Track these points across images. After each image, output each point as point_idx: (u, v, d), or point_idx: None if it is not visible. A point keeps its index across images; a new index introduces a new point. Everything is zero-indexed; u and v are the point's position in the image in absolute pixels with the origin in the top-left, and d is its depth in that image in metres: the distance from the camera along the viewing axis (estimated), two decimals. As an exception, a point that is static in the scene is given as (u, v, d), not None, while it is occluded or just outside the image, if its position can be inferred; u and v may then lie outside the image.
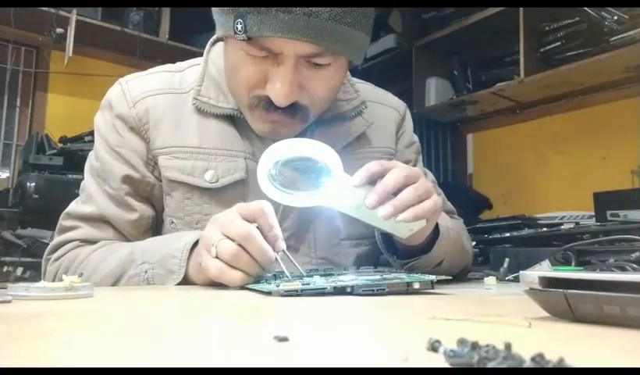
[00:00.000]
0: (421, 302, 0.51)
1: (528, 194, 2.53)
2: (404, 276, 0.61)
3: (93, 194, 0.81)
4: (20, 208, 2.16)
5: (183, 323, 0.39)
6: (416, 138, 0.99)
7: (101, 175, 0.81)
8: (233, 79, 0.75)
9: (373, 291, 0.54)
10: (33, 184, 2.07)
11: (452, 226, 0.82)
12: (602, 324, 0.32)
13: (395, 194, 0.64)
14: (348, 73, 0.85)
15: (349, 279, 0.59)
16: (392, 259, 0.78)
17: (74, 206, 0.83)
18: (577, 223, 1.39)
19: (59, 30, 2.27)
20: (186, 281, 0.67)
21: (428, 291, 0.57)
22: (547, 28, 2.16)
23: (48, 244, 0.86)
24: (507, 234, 1.33)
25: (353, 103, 0.87)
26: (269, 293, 0.53)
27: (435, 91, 2.60)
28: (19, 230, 2.15)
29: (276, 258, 0.61)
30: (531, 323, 0.33)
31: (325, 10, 0.65)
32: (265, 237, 0.60)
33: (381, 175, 0.65)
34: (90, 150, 0.87)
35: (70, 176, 2.14)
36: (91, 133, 2.10)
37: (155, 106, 0.81)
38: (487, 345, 0.22)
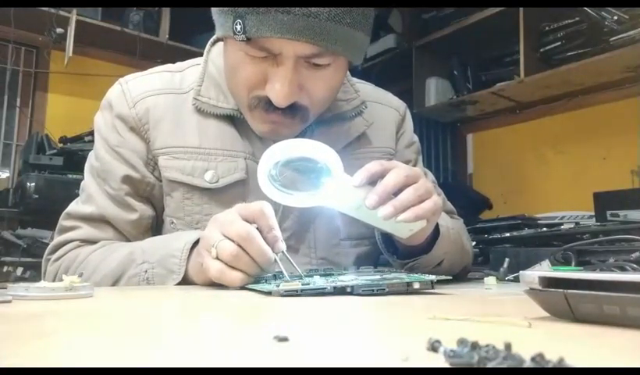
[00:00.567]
0: (421, 302, 0.51)
1: (528, 194, 2.53)
2: (404, 276, 0.61)
3: (93, 194, 0.81)
4: (20, 208, 2.16)
5: (183, 323, 0.39)
6: (416, 138, 0.99)
7: (101, 175, 0.81)
8: (233, 79, 0.75)
9: (373, 291, 0.54)
10: (33, 184, 2.07)
11: (452, 226, 0.82)
12: (602, 324, 0.32)
13: (395, 194, 0.64)
14: (348, 73, 0.85)
15: (349, 279, 0.59)
16: (393, 259, 0.78)
17: (74, 206, 0.83)
18: (577, 223, 1.39)
19: (59, 30, 2.27)
20: (186, 281, 0.67)
21: (428, 291, 0.57)
22: (547, 28, 2.16)
23: (48, 244, 0.86)
24: (507, 234, 1.33)
25: (353, 103, 0.87)
26: (269, 293, 0.53)
27: (435, 91, 2.60)
28: (19, 230, 2.15)
29: (276, 259, 0.61)
30: (531, 323, 0.33)
31: (324, 10, 0.65)
32: (265, 238, 0.60)
33: (381, 175, 0.65)
34: (90, 150, 0.87)
35: (70, 176, 2.14)
36: (91, 133, 2.10)
37: (155, 106, 0.81)
38: (487, 345, 0.22)
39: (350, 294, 0.54)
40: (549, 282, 0.35)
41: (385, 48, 2.71)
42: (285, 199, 0.64)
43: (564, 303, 0.34)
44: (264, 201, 0.63)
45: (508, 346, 0.22)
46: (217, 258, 0.59)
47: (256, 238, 0.59)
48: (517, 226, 1.50)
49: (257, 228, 0.60)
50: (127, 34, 2.43)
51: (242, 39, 0.67)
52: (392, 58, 2.71)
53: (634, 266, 0.70)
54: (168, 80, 0.84)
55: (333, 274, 0.66)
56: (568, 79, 2.14)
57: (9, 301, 0.45)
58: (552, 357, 0.20)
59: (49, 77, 2.55)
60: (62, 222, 0.83)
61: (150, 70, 0.87)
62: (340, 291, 0.54)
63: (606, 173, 2.21)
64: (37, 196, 2.06)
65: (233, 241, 0.59)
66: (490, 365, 0.20)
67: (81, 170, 0.91)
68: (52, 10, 2.25)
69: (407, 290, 0.55)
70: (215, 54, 0.84)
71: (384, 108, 0.94)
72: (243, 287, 0.59)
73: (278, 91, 0.69)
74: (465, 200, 2.38)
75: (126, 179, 0.80)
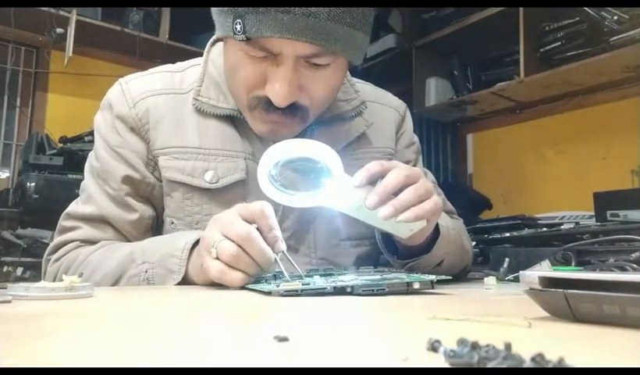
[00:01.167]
0: (421, 302, 0.51)
1: (528, 194, 2.53)
2: (404, 276, 0.61)
3: (93, 195, 0.81)
4: (20, 208, 2.16)
5: (183, 323, 0.39)
6: (416, 138, 0.99)
7: (102, 175, 0.81)
8: (233, 79, 0.75)
9: (373, 291, 0.54)
10: (33, 184, 2.07)
11: (452, 226, 0.82)
12: (602, 324, 0.32)
13: (395, 194, 0.64)
14: (348, 73, 0.85)
15: (349, 279, 0.59)
16: (393, 259, 0.78)
17: (74, 206, 0.83)
18: (577, 223, 1.39)
19: (59, 30, 2.27)
20: (186, 281, 0.67)
21: (428, 291, 0.57)
22: (547, 28, 2.16)
23: (48, 244, 0.86)
24: (507, 234, 1.33)
25: (353, 103, 0.87)
26: (269, 293, 0.53)
27: (435, 91, 2.60)
28: (19, 230, 2.15)
29: (276, 259, 0.61)
30: (531, 323, 0.33)
31: (324, 10, 0.65)
32: (265, 238, 0.60)
33: (381, 175, 0.65)
34: (90, 150, 0.87)
35: (70, 176, 2.14)
36: (91, 133, 2.10)
37: (155, 106, 0.81)
38: (487, 345, 0.22)
39: (350, 294, 0.54)
40: (549, 282, 0.35)
41: (385, 48, 2.71)
42: (285, 199, 0.64)
43: (564, 303, 0.34)
44: (265, 201, 0.63)
45: (508, 346, 0.22)
46: (217, 258, 0.59)
47: (256, 239, 0.59)
48: (517, 226, 1.50)
49: (258, 228, 0.60)
50: (127, 34, 2.43)
51: (242, 39, 0.67)
52: (392, 58, 2.71)
53: (634, 266, 0.70)
54: (168, 80, 0.84)
55: (333, 274, 0.66)
56: (568, 79, 2.14)
57: (9, 301, 0.45)
58: (552, 357, 0.20)
59: (49, 77, 2.55)
60: (62, 222, 0.83)
61: (150, 70, 0.87)
62: (340, 291, 0.54)
63: (606, 173, 2.21)
64: (37, 196, 2.06)
65: (233, 242, 0.59)
66: (490, 365, 0.20)
67: (81, 170, 0.91)
68: (52, 10, 2.25)
69: (407, 290, 0.55)
70: (215, 54, 0.84)
71: (384, 108, 0.94)
72: (243, 287, 0.59)
73: (278, 91, 0.69)
74: (465, 200, 2.38)
75: (127, 179, 0.80)
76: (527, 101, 2.44)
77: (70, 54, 2.29)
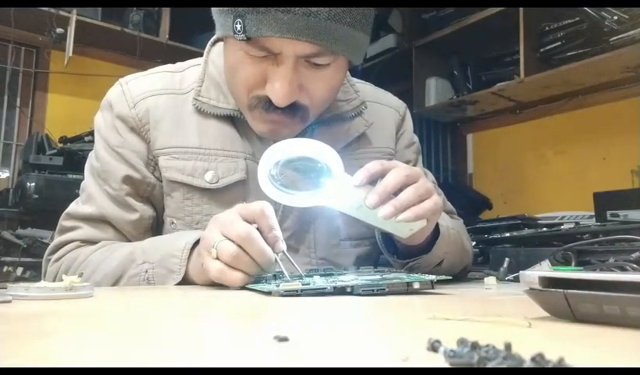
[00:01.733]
0: (421, 302, 0.51)
1: (528, 194, 2.53)
2: (404, 276, 0.61)
3: (93, 195, 0.81)
4: (20, 208, 2.16)
5: (183, 323, 0.39)
6: (416, 138, 0.99)
7: (102, 175, 0.81)
8: (233, 79, 0.75)
9: (373, 291, 0.54)
10: (33, 184, 2.07)
11: (452, 226, 0.82)
12: (602, 324, 0.32)
13: (395, 194, 0.64)
14: (348, 73, 0.85)
15: (349, 279, 0.59)
16: (393, 259, 0.78)
17: (74, 206, 0.83)
18: (577, 223, 1.39)
19: (59, 30, 2.28)
20: (186, 281, 0.67)
21: (428, 291, 0.57)
22: (547, 28, 2.16)
23: (48, 244, 0.86)
24: (507, 234, 1.33)
25: (353, 103, 0.87)
26: (269, 293, 0.53)
27: (435, 91, 2.60)
28: (19, 230, 2.15)
29: (276, 259, 0.61)
30: (531, 323, 0.33)
31: (324, 10, 0.65)
32: (265, 238, 0.60)
33: (381, 175, 0.65)
34: (90, 150, 0.87)
35: (70, 176, 2.14)
36: (91, 133, 2.11)
37: (156, 106, 0.81)
38: (487, 345, 0.22)
39: (350, 294, 0.54)
40: (549, 282, 0.35)
41: (385, 48, 2.71)
42: (285, 199, 0.64)
43: (564, 303, 0.34)
44: (265, 201, 0.63)
45: (508, 346, 0.22)
46: (217, 258, 0.59)
47: (256, 239, 0.59)
48: (517, 226, 1.50)
49: (258, 228, 0.60)
50: (127, 34, 2.43)
51: (242, 39, 0.67)
52: (392, 58, 2.71)
53: (634, 266, 0.70)
54: (169, 80, 0.84)
55: (333, 274, 0.66)
56: (568, 79, 2.14)
57: (9, 301, 0.45)
58: (552, 357, 0.20)
59: (49, 77, 2.56)
60: (63, 222, 0.83)
61: (150, 70, 0.87)
62: (340, 291, 0.54)
63: (606, 173, 2.21)
64: (37, 196, 2.06)
65: (234, 242, 0.59)
66: (490, 365, 0.20)
67: (81, 170, 0.91)
68: (52, 10, 2.25)
69: (407, 290, 0.55)
70: (215, 54, 0.84)
71: (384, 108, 0.94)
72: (243, 287, 0.59)
73: (278, 91, 0.69)
74: (465, 200, 2.38)
75: (127, 179, 0.80)
76: (527, 101, 2.44)
77: (70, 54, 2.29)
